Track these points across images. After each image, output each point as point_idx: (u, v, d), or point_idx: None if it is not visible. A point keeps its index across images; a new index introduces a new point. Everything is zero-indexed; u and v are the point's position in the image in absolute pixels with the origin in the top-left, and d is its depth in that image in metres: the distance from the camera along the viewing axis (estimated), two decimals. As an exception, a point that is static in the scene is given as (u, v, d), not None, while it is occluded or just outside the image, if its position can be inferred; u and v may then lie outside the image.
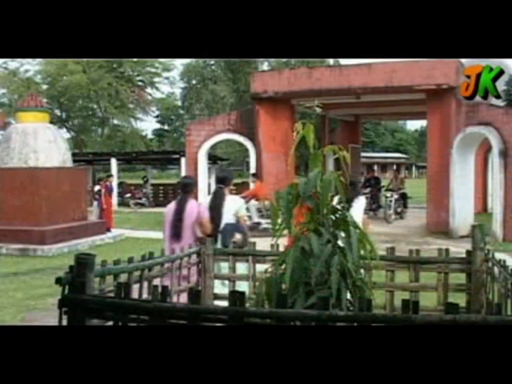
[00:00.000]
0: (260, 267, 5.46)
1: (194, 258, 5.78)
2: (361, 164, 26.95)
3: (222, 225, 6.60)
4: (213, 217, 6.34)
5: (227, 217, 6.66)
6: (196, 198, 17.61)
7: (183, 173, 21.07)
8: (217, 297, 5.87)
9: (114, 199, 26.13)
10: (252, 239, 6.15)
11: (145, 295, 4.64)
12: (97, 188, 17.54)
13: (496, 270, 4.99)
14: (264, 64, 50.95)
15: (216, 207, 6.57)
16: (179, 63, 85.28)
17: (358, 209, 7.03)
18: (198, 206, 6.27)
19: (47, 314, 7.00)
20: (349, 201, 6.53)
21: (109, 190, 16.80)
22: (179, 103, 61.72)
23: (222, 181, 7.03)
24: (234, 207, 6.76)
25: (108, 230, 15.73)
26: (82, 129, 42.45)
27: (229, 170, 6.66)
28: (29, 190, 13.01)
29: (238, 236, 6.58)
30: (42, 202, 13.06)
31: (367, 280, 3.43)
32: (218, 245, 6.29)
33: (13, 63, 38.50)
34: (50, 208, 13.22)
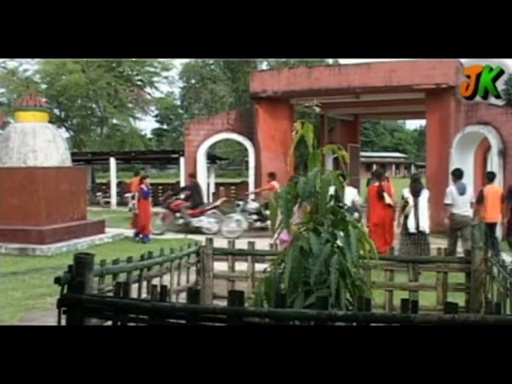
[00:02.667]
0: (259, 266, 5.47)
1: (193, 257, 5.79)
2: (360, 163, 26.95)
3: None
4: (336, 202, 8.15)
5: (347, 202, 9.10)
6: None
7: (182, 173, 20.98)
8: (216, 296, 5.88)
9: (114, 199, 26.19)
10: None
11: (144, 295, 4.65)
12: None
13: (495, 269, 5.00)
14: (263, 64, 50.97)
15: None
16: (178, 63, 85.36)
17: (424, 199, 9.64)
18: None
19: (46, 314, 6.99)
20: (417, 193, 9.60)
21: (144, 194, 14.86)
22: (178, 102, 61.69)
23: (342, 175, 8.55)
24: (350, 195, 9.47)
25: (145, 236, 14.36)
26: (81, 129, 42.38)
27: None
28: (28, 189, 12.99)
29: (356, 214, 9.40)
30: (41, 201, 13.04)
31: (366, 280, 3.42)
32: None
33: (11, 63, 38.45)
34: (49, 208, 13.21)
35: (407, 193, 9.72)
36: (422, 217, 9.52)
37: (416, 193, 9.63)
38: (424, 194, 9.73)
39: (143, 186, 14.99)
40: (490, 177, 11.13)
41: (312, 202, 3.37)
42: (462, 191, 10.06)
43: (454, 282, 5.68)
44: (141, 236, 14.46)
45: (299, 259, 3.21)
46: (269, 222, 14.50)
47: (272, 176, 15.44)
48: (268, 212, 14.63)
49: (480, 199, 10.51)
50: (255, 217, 15.53)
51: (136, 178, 20.09)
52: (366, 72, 15.82)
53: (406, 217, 9.55)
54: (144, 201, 14.74)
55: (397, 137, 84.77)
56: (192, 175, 16.85)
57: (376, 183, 10.30)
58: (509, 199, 10.72)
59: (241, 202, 16.03)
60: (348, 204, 9.15)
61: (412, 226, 9.50)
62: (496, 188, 11.02)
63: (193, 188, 16.33)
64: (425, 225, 9.55)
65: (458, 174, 10.42)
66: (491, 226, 10.52)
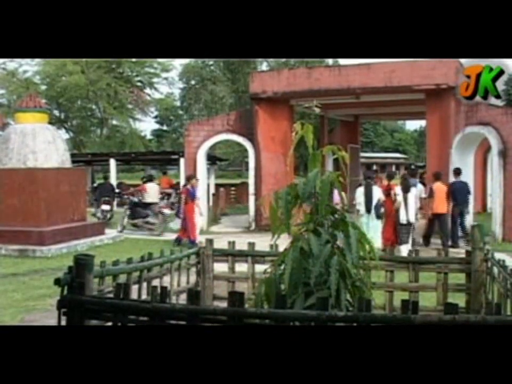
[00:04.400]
0: (259, 267, 5.46)
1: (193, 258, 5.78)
2: (360, 164, 26.94)
3: (373, 203, 11.13)
4: (367, 199, 11.18)
5: (375, 199, 11.17)
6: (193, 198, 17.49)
7: (182, 174, 21.06)
8: (216, 297, 5.87)
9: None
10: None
11: (144, 296, 4.64)
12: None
13: (495, 270, 4.99)
14: (263, 64, 50.99)
15: (368, 193, 11.21)
16: (178, 64, 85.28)
17: (412, 195, 11.61)
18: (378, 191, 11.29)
19: (46, 315, 6.98)
20: (407, 190, 11.52)
21: (191, 195, 13.50)
22: (178, 103, 61.67)
23: (370, 177, 11.69)
24: (377, 193, 11.25)
25: (192, 242, 12.69)
26: (81, 130, 42.39)
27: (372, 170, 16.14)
28: (28, 190, 12.98)
29: (382, 209, 11.26)
30: (41, 203, 13.03)
31: (366, 280, 3.42)
32: (372, 213, 11.12)
33: (11, 64, 38.48)
34: (49, 209, 13.20)
35: (398, 190, 11.62)
36: (410, 210, 11.53)
37: (405, 189, 11.58)
38: (413, 191, 11.74)
39: (189, 187, 13.70)
40: (437, 176, 13.44)
41: (312, 203, 3.36)
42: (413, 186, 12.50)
43: (454, 283, 5.67)
44: (186, 240, 13.28)
45: (299, 260, 3.20)
46: (136, 220, 16.50)
47: (149, 178, 18.24)
48: (140, 210, 16.57)
49: (430, 195, 12.85)
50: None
51: (165, 177, 23.88)
52: (366, 73, 15.80)
53: (397, 210, 11.48)
54: (191, 204, 13.45)
55: (397, 138, 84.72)
56: (106, 177, 21.85)
57: (385, 183, 12.20)
58: (454, 195, 13.12)
59: (128, 199, 17.94)
60: (375, 201, 11.14)
61: (402, 218, 11.44)
62: (442, 185, 13.12)
63: (95, 188, 22.26)
64: (412, 217, 11.58)
65: (412, 173, 13.97)
66: (440, 217, 12.98)
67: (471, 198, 13.52)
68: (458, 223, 13.26)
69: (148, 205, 16.60)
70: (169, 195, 22.30)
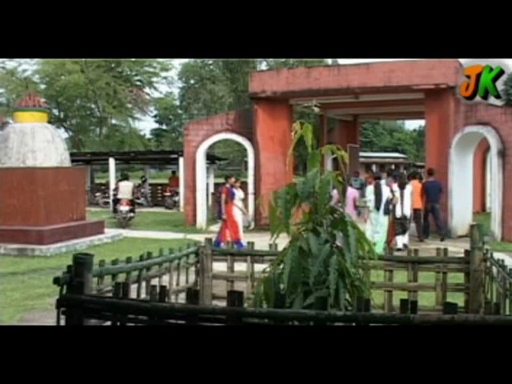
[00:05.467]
0: (258, 267, 5.46)
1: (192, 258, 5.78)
2: (359, 163, 26.95)
3: (383, 201, 12.13)
4: (377, 198, 12.10)
5: (384, 197, 12.20)
6: (194, 198, 17.51)
7: (181, 173, 21.10)
8: (215, 297, 5.88)
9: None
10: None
11: (143, 295, 4.64)
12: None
13: (494, 269, 5.00)
14: (263, 64, 50.96)
15: (378, 192, 12.15)
16: (177, 63, 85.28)
17: (408, 191, 13.20)
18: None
19: (45, 315, 6.99)
20: (402, 186, 13.05)
21: (231, 194, 12.87)
22: (177, 102, 61.64)
23: (379, 177, 12.93)
24: (386, 192, 12.25)
25: (237, 243, 11.45)
26: (80, 129, 42.38)
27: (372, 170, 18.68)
28: (27, 189, 12.98)
29: (390, 207, 12.36)
30: (40, 202, 13.03)
31: (365, 280, 3.42)
32: (381, 211, 12.12)
33: (10, 63, 38.48)
34: (48, 208, 13.20)
35: (395, 187, 12.85)
36: (406, 206, 13.06)
37: (401, 186, 13.04)
38: (408, 188, 13.29)
39: (228, 186, 13.11)
40: (413, 175, 15.37)
41: (311, 203, 3.36)
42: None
43: (453, 283, 5.68)
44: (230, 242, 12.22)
45: (298, 259, 3.20)
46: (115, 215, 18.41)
47: (124, 176, 19.96)
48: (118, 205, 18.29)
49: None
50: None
51: (174, 177, 26.49)
52: (365, 73, 15.79)
53: (394, 206, 12.66)
54: (231, 204, 12.84)
55: (396, 138, 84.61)
56: (124, 175, 22.85)
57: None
58: (426, 192, 14.58)
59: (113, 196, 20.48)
60: (384, 199, 12.12)
61: (398, 213, 12.77)
62: (418, 183, 14.59)
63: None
64: (407, 212, 13.11)
65: (392, 173, 15.23)
66: (415, 212, 14.20)
67: (444, 196, 14.89)
68: (433, 218, 14.81)
69: (120, 201, 18.51)
70: (177, 193, 25.37)
